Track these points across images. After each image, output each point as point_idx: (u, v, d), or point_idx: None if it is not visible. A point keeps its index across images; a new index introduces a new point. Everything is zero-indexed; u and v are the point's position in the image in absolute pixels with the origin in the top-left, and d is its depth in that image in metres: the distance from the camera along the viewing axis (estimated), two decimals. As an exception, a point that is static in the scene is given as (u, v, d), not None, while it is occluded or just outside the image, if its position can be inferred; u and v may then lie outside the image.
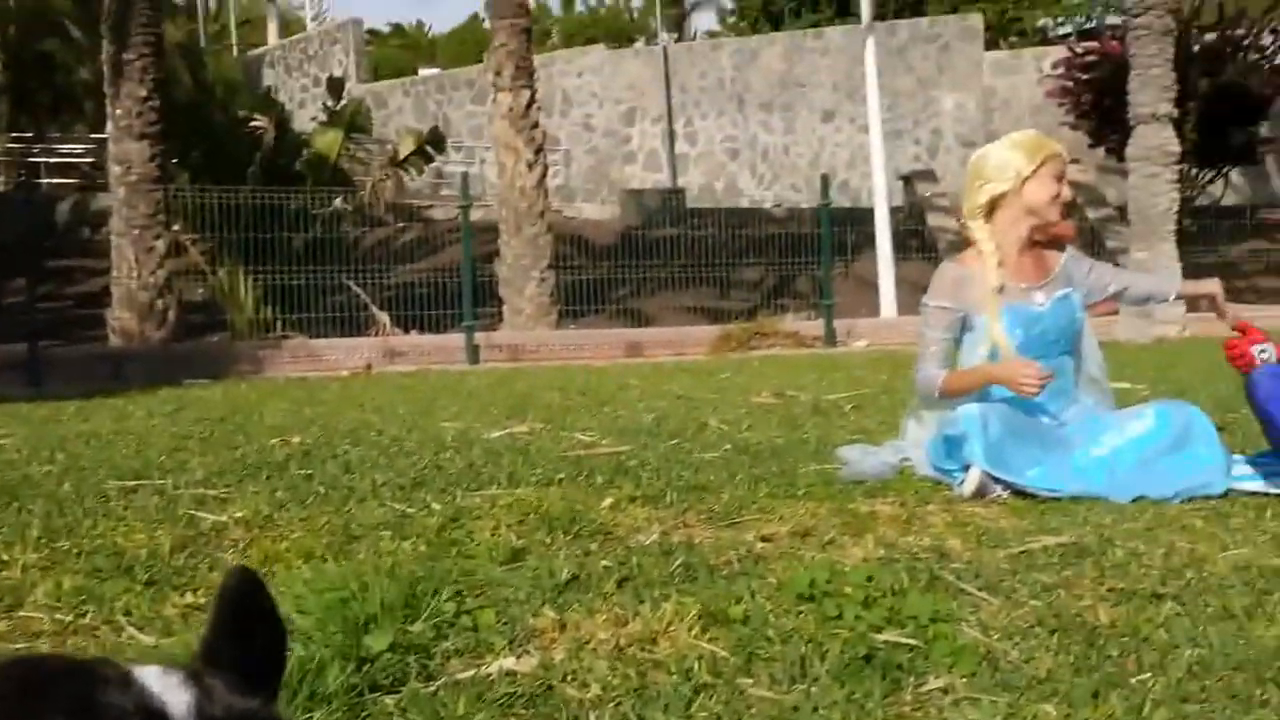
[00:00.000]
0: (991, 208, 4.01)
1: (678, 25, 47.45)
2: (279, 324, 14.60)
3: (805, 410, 5.84)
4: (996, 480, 3.64)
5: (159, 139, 13.23)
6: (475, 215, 17.61)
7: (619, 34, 42.17)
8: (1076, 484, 3.63)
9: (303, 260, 14.36)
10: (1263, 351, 3.70)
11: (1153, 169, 11.90)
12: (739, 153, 28.63)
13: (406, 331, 14.59)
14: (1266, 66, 20.58)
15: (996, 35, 31.46)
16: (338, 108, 19.09)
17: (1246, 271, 18.82)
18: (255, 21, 45.11)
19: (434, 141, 18.55)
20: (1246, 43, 20.57)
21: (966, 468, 3.68)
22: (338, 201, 17.60)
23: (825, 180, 13.70)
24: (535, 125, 14.29)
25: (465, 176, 14.73)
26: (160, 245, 13.28)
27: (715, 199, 28.34)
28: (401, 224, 21.53)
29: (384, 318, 15.09)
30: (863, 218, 18.31)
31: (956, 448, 3.73)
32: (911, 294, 17.85)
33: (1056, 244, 4.19)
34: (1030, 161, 3.96)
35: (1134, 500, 3.53)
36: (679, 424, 5.36)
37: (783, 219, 22.71)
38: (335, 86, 20.04)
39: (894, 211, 20.78)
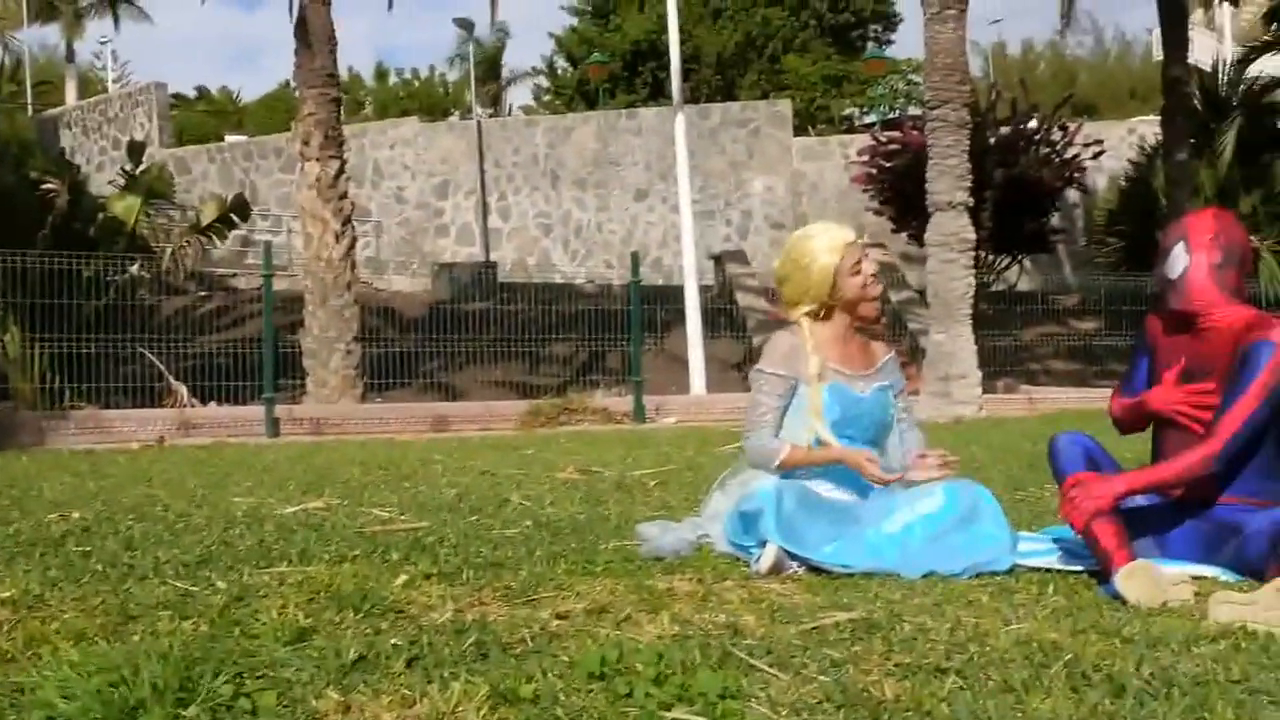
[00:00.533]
0: (805, 299, 4.12)
1: (494, 101, 47.71)
2: (67, 394, 14.02)
3: (609, 486, 5.83)
4: (792, 556, 3.67)
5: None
6: (281, 285, 17.33)
7: (433, 107, 42.17)
8: (870, 560, 3.68)
9: (95, 328, 13.85)
10: None
11: (949, 254, 12.33)
12: (552, 228, 28.82)
13: (204, 403, 14.18)
14: (1056, 160, 21.60)
15: (805, 122, 32.44)
16: (137, 172, 18.57)
17: (1039, 354, 19.63)
18: (56, 82, 43.83)
19: (238, 209, 18.16)
20: (1038, 137, 21.58)
21: (763, 544, 3.70)
22: (134, 268, 17.07)
23: (635, 257, 13.83)
24: (344, 196, 14.13)
25: (268, 245, 14.45)
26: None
27: (528, 274, 28.43)
28: (204, 292, 21.03)
29: (181, 388, 14.64)
30: (674, 295, 18.56)
31: (753, 524, 3.76)
32: (721, 371, 18.14)
33: (878, 336, 4.30)
34: (836, 255, 4.09)
35: (924, 575, 3.60)
36: (481, 499, 5.29)
37: (594, 295, 22.82)
38: (135, 150, 19.51)
39: (704, 290, 21.14)
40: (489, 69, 46.11)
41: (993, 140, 21.63)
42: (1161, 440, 3.89)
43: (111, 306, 14.80)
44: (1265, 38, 21.17)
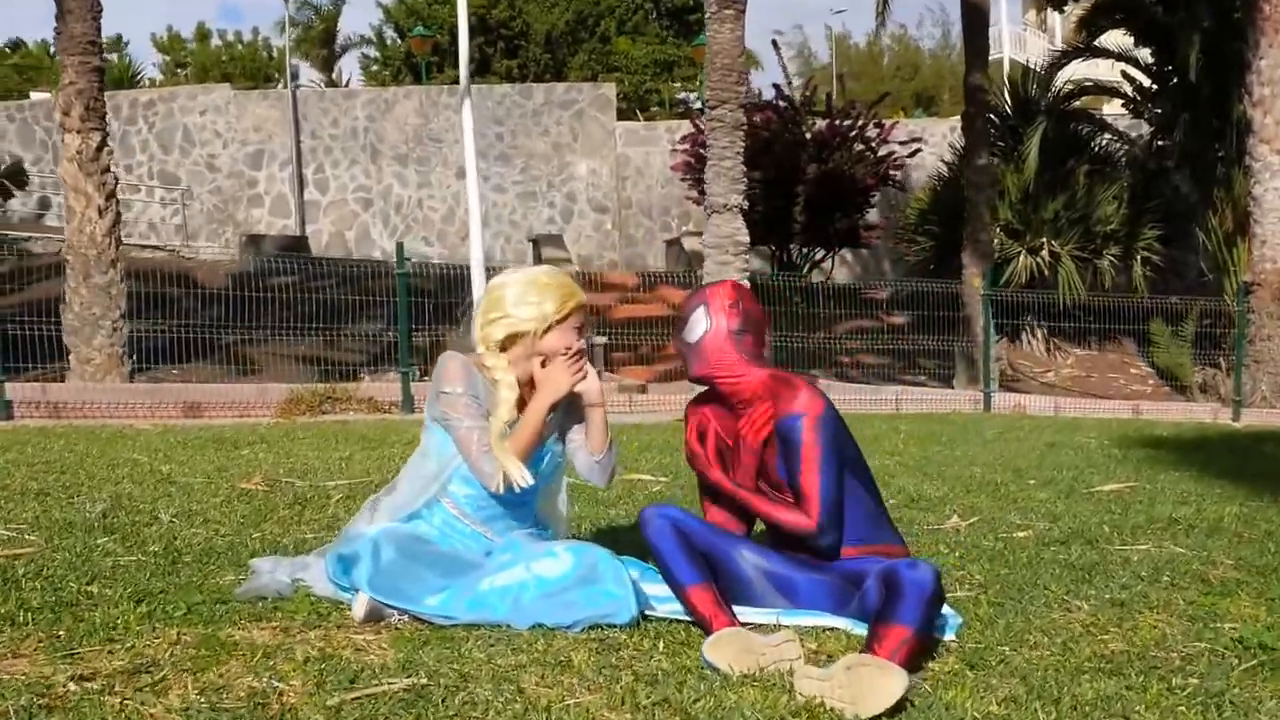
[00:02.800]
0: (508, 342, 3.76)
1: (326, 68, 46.57)
2: None
3: (287, 501, 5.43)
4: (392, 605, 3.37)
5: None
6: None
7: (256, 73, 40.90)
8: (476, 612, 3.39)
9: None
10: None
11: (724, 257, 12.21)
12: (372, 203, 28.17)
13: None
14: (871, 157, 21.71)
15: (634, 106, 32.25)
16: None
17: (851, 351, 19.71)
18: None
19: (12, 176, 17.21)
20: (853, 133, 21.64)
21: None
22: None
23: (400, 248, 13.36)
24: (107, 170, 13.44)
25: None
26: None
27: (347, 249, 27.74)
28: (-1, 256, 19.96)
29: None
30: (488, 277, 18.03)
31: (351, 567, 3.45)
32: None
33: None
34: (560, 310, 3.74)
35: (533, 627, 3.32)
36: (129, 515, 4.85)
37: (410, 274, 22.17)
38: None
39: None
40: (325, 35, 45.01)
41: (808, 135, 21.65)
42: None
43: None
44: (1077, 44, 21.55)
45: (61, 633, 3.06)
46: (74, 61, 13.06)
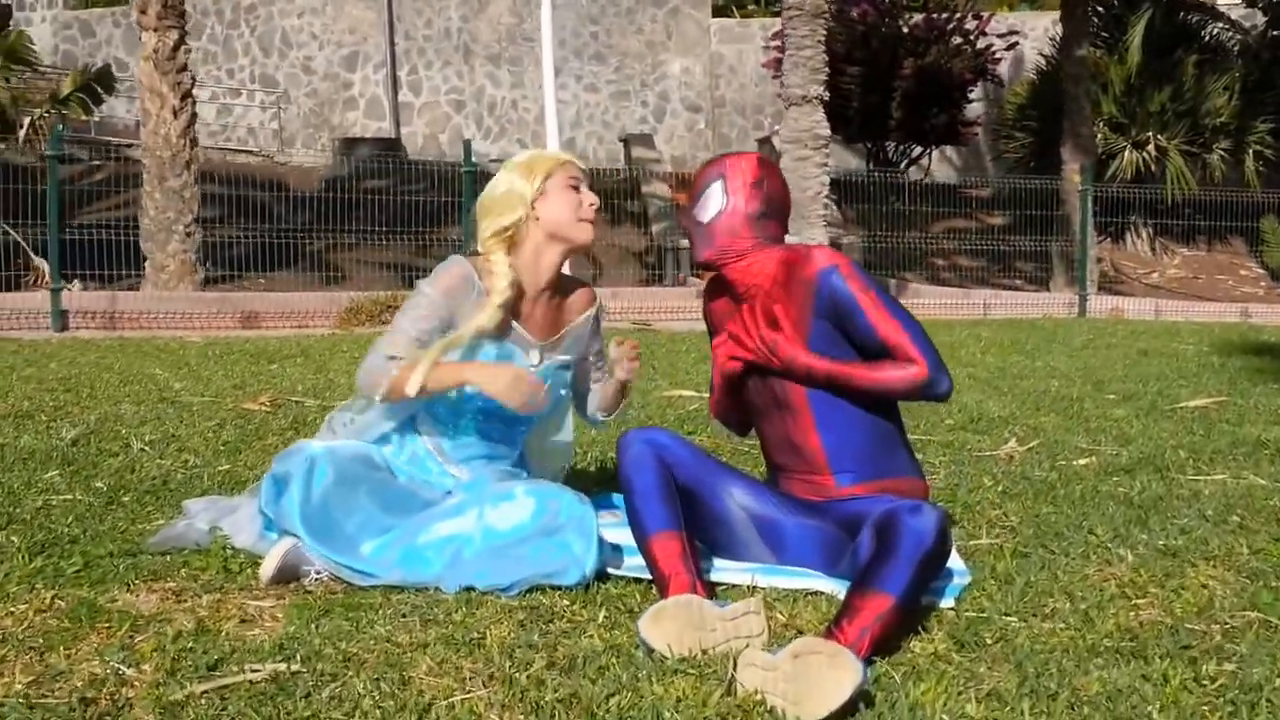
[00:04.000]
0: (511, 243, 3.30)
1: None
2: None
3: (285, 424, 5.05)
4: (316, 553, 2.96)
5: None
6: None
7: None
8: (408, 569, 2.97)
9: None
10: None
11: (803, 152, 11.53)
12: (464, 105, 27.71)
13: (84, 284, 13.12)
14: (969, 50, 20.75)
15: (730, 3, 31.28)
16: (-3, 36, 17.41)
17: (946, 252, 18.95)
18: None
19: (101, 79, 17.06)
20: (951, 27, 20.68)
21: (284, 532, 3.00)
22: (-15, 137, 16.03)
23: (468, 145, 12.93)
24: (184, 69, 13.13)
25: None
26: None
27: (441, 151, 27.38)
28: (96, 161, 19.90)
29: (44, 266, 13.67)
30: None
31: (284, 490, 3.03)
32: (619, 261, 17.39)
33: (582, 292, 3.52)
34: (531, 178, 3.28)
35: (463, 590, 2.90)
36: (97, 444, 4.53)
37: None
38: (1, 14, 18.28)
39: (612, 174, 20.36)
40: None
41: (905, 29, 20.72)
42: (761, 429, 3.31)
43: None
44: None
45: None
46: (150, -45, 12.77)
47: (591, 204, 3.34)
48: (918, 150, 22.08)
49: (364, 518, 3.04)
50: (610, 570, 3.10)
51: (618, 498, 3.52)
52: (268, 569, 2.93)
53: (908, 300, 12.89)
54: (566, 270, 3.52)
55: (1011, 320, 12.71)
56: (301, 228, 15.35)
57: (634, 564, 3.10)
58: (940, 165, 25.12)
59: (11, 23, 19.85)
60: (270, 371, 6.91)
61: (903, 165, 21.53)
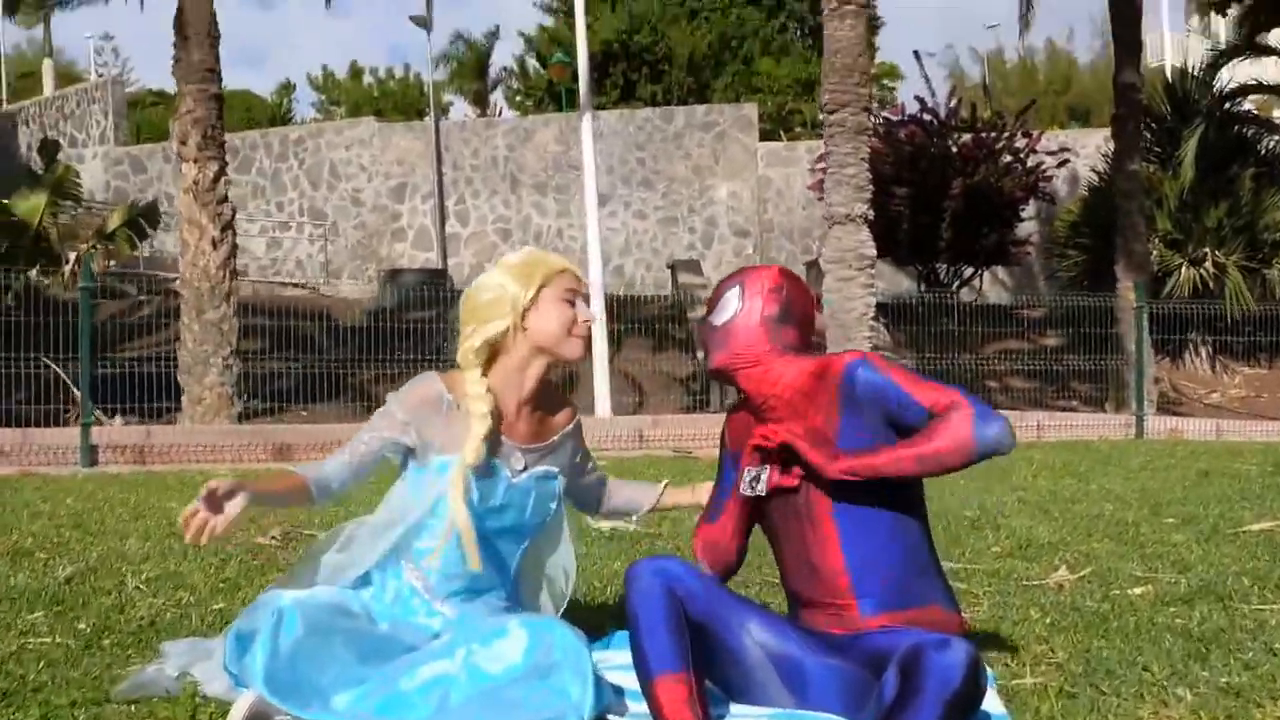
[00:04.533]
0: (493, 354, 3.11)
1: (479, 101, 46.87)
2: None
3: (291, 558, 4.84)
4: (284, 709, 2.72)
5: None
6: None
7: (409, 108, 41.21)
8: (389, 717, 2.72)
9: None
10: (754, 480, 2.96)
11: (847, 272, 11.34)
12: (511, 233, 27.92)
13: (122, 419, 13.13)
14: (1020, 169, 20.67)
15: (777, 127, 31.47)
16: (45, 171, 17.72)
17: (999, 373, 18.65)
18: (40, 76, 42.81)
19: (147, 215, 17.27)
20: (1000, 145, 20.62)
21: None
22: (32, 273, 16.20)
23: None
24: (224, 200, 13.22)
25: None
26: None
27: (488, 281, 27.47)
28: (141, 297, 20.12)
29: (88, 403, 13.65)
30: (631, 305, 17.66)
31: (249, 648, 2.81)
32: (664, 387, 17.22)
33: (563, 402, 3.32)
34: (526, 285, 3.08)
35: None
36: (92, 583, 4.31)
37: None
38: (48, 149, 18.66)
39: (659, 300, 20.34)
40: (478, 68, 45.28)
41: (954, 149, 20.69)
42: (780, 555, 3.05)
43: (11, 314, 13.82)
44: (1235, 42, 20.11)
45: None
46: (192, 89, 12.92)
47: (586, 320, 3.14)
48: (969, 271, 21.92)
49: (339, 670, 2.81)
50: (612, 718, 2.83)
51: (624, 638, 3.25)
52: (236, 717, 2.69)
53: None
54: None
55: (1065, 443, 12.36)
56: (344, 359, 15.31)
57: (640, 710, 2.84)
58: (993, 286, 24.94)
59: (62, 157, 20.22)
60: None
61: (954, 286, 21.37)
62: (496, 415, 3.08)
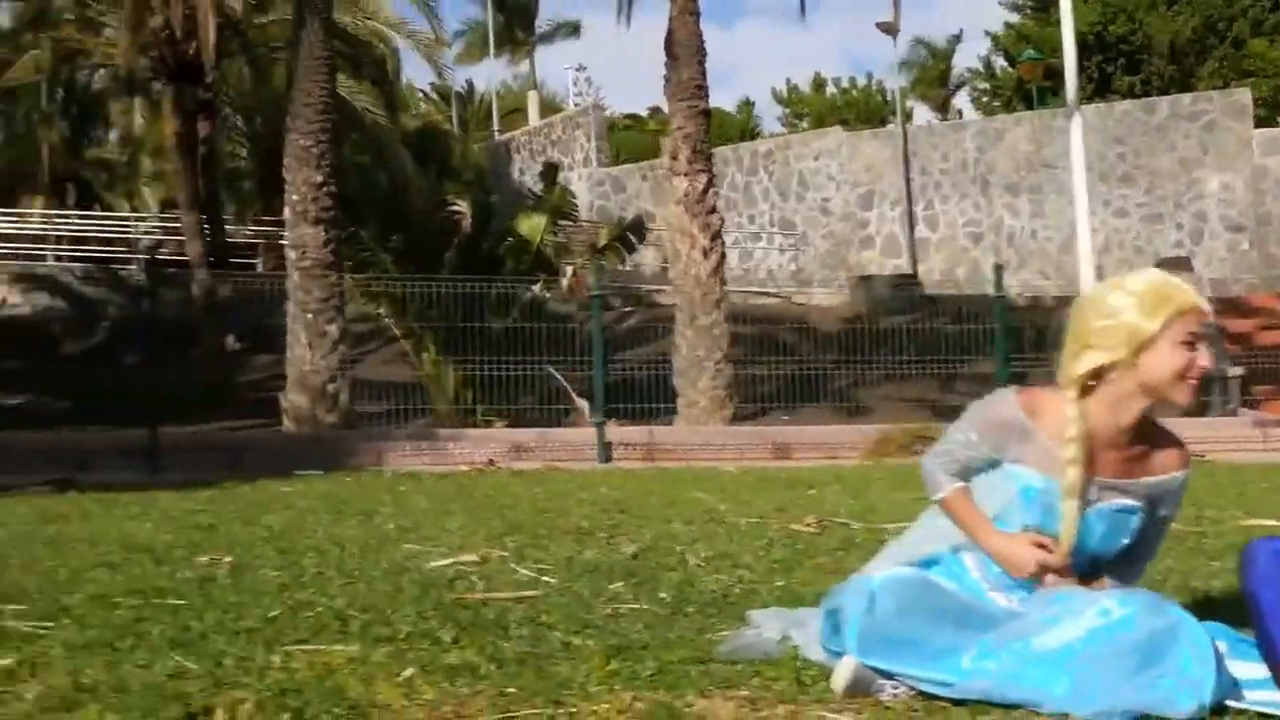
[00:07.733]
0: (1094, 377, 2.93)
1: (941, 106, 46.35)
2: (479, 412, 14.39)
3: (833, 544, 4.94)
4: (882, 669, 2.75)
5: (334, 224, 13.26)
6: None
7: (871, 116, 41.24)
8: (1015, 685, 2.67)
9: (504, 348, 14.08)
10: None
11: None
12: (982, 237, 27.37)
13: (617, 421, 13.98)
14: None
15: (1273, 113, 29.23)
16: (544, 193, 19.01)
17: None
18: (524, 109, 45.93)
19: (634, 229, 18.20)
20: None
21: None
22: (536, 287, 17.40)
23: (999, 270, 12.57)
24: (712, 210, 13.73)
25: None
26: (334, 330, 13.24)
27: (957, 286, 27.08)
28: (627, 309, 21.23)
29: (585, 406, 14.61)
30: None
31: (841, 625, 2.85)
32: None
33: (1168, 443, 3.06)
34: (1149, 320, 2.84)
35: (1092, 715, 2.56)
36: (655, 559, 4.57)
37: (1025, 308, 21.25)
38: (549, 172, 20.00)
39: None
40: (940, 75, 44.81)
41: None
42: None
43: (518, 325, 15.03)
44: None
45: (513, 689, 2.75)
46: (681, 107, 13.52)
47: (1203, 366, 2.87)
48: None
49: (925, 642, 2.80)
50: (1231, 703, 2.68)
51: (1219, 628, 3.00)
52: (840, 679, 2.76)
53: None
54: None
55: None
56: (825, 362, 15.52)
57: (1257, 699, 2.68)
58: None
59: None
60: (809, 496, 6.89)
61: None
62: (1086, 451, 2.92)
